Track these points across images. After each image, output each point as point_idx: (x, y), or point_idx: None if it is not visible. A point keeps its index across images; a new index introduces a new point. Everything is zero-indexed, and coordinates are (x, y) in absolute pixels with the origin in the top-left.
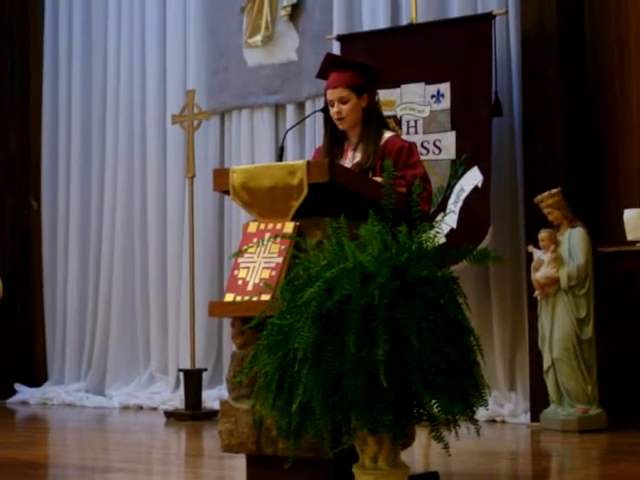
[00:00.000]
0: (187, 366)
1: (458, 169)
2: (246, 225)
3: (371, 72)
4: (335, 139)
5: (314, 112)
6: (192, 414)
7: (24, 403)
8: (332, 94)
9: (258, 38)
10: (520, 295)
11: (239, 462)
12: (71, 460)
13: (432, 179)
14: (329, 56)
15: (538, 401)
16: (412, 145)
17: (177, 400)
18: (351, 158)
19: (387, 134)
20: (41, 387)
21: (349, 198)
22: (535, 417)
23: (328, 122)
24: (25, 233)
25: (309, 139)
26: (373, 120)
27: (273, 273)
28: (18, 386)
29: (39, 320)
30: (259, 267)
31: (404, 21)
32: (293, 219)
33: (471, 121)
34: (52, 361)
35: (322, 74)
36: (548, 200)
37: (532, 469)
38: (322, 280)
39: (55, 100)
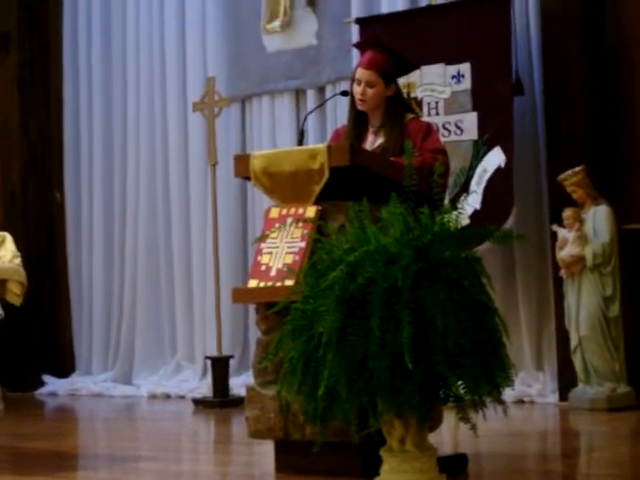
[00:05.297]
0: (214, 353)
1: (480, 149)
2: (268, 210)
3: (407, 67)
4: (360, 121)
5: (334, 95)
6: (220, 401)
7: (52, 394)
8: (362, 74)
9: (277, 24)
10: (546, 274)
11: (267, 448)
12: (101, 450)
13: (454, 160)
14: (375, 36)
15: (566, 380)
16: (430, 125)
17: (205, 388)
18: (372, 142)
19: (407, 117)
20: (69, 378)
21: (371, 181)
22: (563, 396)
23: (353, 103)
24: (49, 223)
25: (330, 123)
26: (396, 108)
27: (296, 258)
28: (46, 377)
29: (65, 311)
30: (282, 252)
31: (423, 2)
32: (315, 203)
33: (492, 101)
34: (79, 352)
35: (360, 46)
36: (572, 178)
37: (561, 448)
38: (345, 264)
39: (76, 89)
